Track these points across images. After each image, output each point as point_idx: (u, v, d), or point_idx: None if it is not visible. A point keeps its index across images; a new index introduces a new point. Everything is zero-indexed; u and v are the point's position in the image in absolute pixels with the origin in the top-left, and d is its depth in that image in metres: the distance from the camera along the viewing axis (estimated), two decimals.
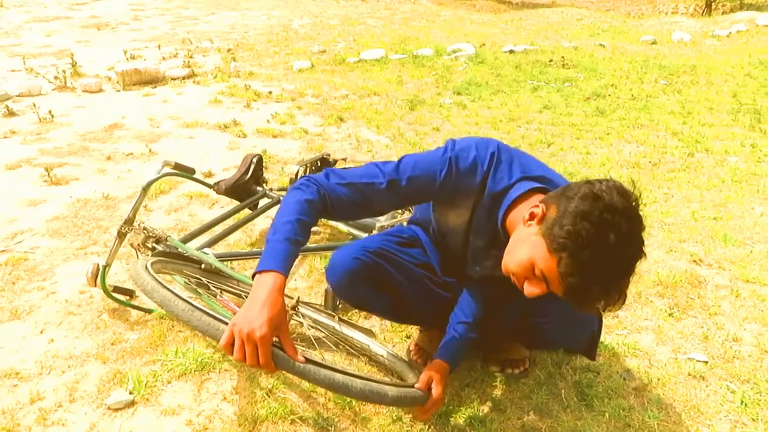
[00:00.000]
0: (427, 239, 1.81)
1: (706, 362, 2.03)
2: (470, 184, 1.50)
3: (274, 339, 1.30)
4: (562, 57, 6.61)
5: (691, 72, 6.25)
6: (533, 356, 1.99)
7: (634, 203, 1.25)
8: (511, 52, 6.86)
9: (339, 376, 1.37)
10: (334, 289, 1.76)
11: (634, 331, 2.19)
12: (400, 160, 1.53)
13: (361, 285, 1.66)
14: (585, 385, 1.90)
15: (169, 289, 1.44)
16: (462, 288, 1.78)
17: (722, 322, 2.25)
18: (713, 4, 11.02)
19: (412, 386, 1.58)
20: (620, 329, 2.20)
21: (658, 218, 3.03)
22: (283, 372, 1.38)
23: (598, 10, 11.48)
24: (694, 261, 2.66)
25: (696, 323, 2.24)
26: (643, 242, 1.25)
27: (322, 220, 2.70)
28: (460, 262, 1.71)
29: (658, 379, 1.95)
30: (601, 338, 2.09)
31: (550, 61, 6.48)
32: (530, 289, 1.33)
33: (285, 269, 1.33)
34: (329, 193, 1.47)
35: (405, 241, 1.79)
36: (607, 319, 2.23)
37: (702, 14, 10.88)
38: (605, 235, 1.20)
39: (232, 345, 1.26)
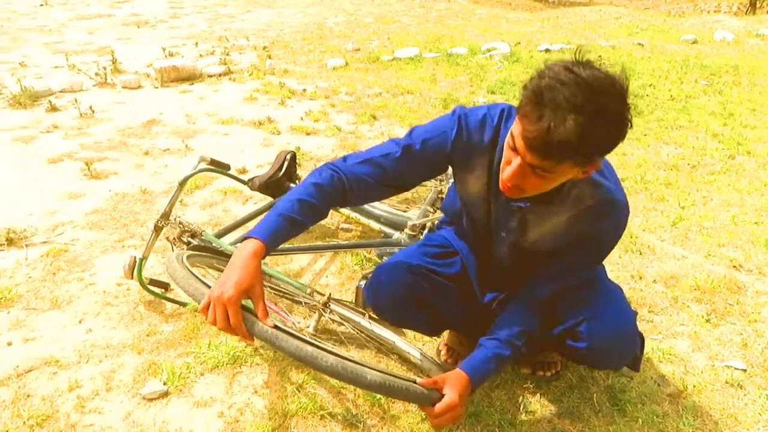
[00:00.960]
0: (462, 243, 1.79)
1: (745, 370, 1.98)
2: (482, 140, 1.49)
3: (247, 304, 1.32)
4: (599, 56, 6.50)
5: (734, 72, 6.09)
6: (565, 359, 1.96)
7: (606, 71, 1.23)
8: (547, 50, 6.78)
9: (308, 348, 1.31)
10: (374, 309, 1.76)
11: (669, 336, 2.15)
12: (411, 130, 1.56)
13: (401, 307, 1.68)
14: (618, 389, 1.87)
15: (203, 282, 1.46)
16: (497, 296, 1.76)
17: (762, 329, 2.19)
18: (758, 2, 10.71)
19: (414, 381, 1.47)
20: (655, 334, 2.15)
21: (697, 222, 2.97)
22: (261, 340, 1.33)
23: (637, 9, 11.26)
24: (734, 266, 2.59)
25: (734, 330, 2.19)
26: (614, 92, 1.19)
27: (353, 217, 2.71)
28: (488, 239, 1.66)
29: (694, 386, 1.91)
30: None
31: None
32: (507, 168, 1.30)
33: (267, 238, 1.36)
34: (347, 174, 1.49)
35: (440, 252, 1.78)
36: (642, 324, 2.19)
37: (746, 13, 10.59)
38: (560, 72, 1.18)
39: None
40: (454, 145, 1.50)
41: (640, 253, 2.67)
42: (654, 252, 2.68)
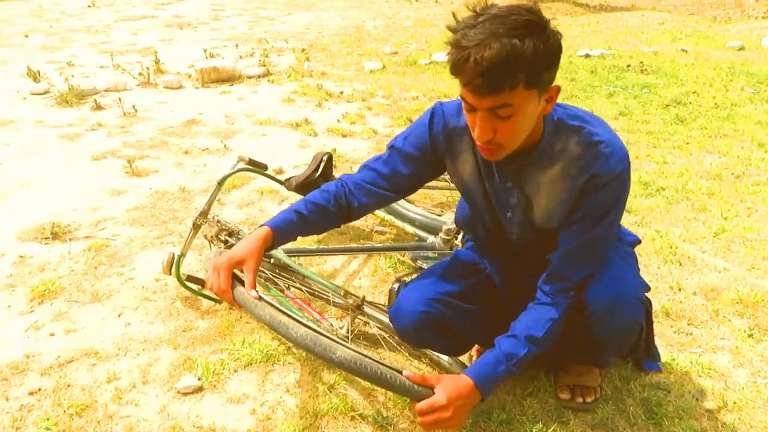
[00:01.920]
0: (487, 258, 1.77)
1: None
2: (459, 123, 1.49)
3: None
4: (641, 62, 6.39)
5: None
6: (604, 383, 1.91)
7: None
8: (587, 56, 6.68)
9: (283, 318, 1.37)
10: (399, 334, 1.73)
11: (709, 350, 2.09)
12: (400, 133, 1.60)
13: (425, 334, 1.66)
14: (654, 403, 1.83)
15: (240, 281, 1.49)
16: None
17: None
18: None
19: (400, 372, 1.40)
20: (694, 347, 2.10)
21: (740, 233, 2.88)
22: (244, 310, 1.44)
23: (681, 14, 11.02)
24: None
25: None
26: (522, 10, 1.22)
27: (387, 220, 2.72)
28: (500, 229, 1.63)
29: (734, 403, 1.85)
30: (673, 356, 2.02)
31: (628, 66, 6.27)
32: (476, 130, 1.29)
33: (275, 225, 1.51)
34: (348, 182, 1.60)
35: (468, 270, 1.75)
36: (680, 336, 2.14)
37: None
38: (469, 18, 1.21)
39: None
40: (433, 135, 1.52)
41: (680, 264, 2.60)
42: (694, 263, 2.62)
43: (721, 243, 2.80)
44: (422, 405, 1.39)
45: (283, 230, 1.52)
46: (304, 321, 1.41)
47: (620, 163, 1.39)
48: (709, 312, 2.28)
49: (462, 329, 1.69)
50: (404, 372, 1.40)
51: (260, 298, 1.41)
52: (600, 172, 1.38)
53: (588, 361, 1.85)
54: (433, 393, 1.40)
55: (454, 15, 1.27)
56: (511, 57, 1.16)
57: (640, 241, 1.81)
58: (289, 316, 1.40)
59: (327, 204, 1.57)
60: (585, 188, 1.41)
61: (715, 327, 2.21)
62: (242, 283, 1.46)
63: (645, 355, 1.84)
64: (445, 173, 1.64)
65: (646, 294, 1.65)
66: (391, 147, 1.59)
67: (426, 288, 1.65)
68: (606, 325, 1.57)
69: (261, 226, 1.52)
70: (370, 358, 1.37)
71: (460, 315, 1.66)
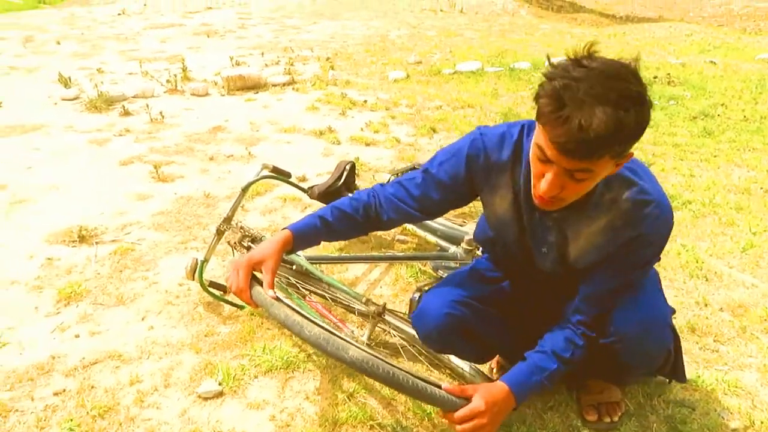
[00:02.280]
0: (499, 273, 1.77)
1: None
2: (500, 157, 1.45)
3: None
4: (668, 74, 6.32)
5: None
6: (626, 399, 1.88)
7: (612, 59, 1.17)
8: None
9: (296, 317, 1.38)
10: (421, 337, 1.74)
11: (736, 367, 2.05)
12: (437, 153, 1.57)
13: (449, 337, 1.66)
14: (678, 420, 1.80)
15: (259, 282, 1.50)
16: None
17: None
18: None
19: (440, 386, 1.40)
20: (720, 364, 2.06)
21: None
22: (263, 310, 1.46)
23: (710, 26, 10.88)
24: None
25: None
26: (629, 75, 1.14)
27: (409, 229, 2.72)
28: (528, 261, 1.61)
29: (762, 423, 1.81)
30: (699, 372, 1.98)
31: (655, 77, 6.20)
32: (543, 182, 1.25)
33: (297, 230, 1.54)
34: (378, 194, 1.60)
35: (487, 278, 1.75)
36: (706, 353, 2.10)
37: None
38: (569, 69, 1.15)
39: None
40: (469, 166, 1.48)
41: (706, 279, 2.56)
42: (721, 279, 2.57)
43: (750, 258, 2.74)
44: (463, 413, 1.40)
45: (304, 235, 1.55)
46: (329, 329, 1.41)
47: (667, 224, 1.40)
48: (736, 329, 2.24)
49: (484, 333, 1.69)
50: (443, 386, 1.41)
51: (277, 298, 1.43)
52: (646, 233, 1.39)
53: (609, 380, 1.83)
54: (468, 402, 1.41)
55: (548, 58, 1.23)
56: (616, 132, 1.11)
57: (659, 258, 1.78)
58: (305, 317, 1.41)
59: (354, 213, 1.57)
60: (627, 244, 1.41)
61: (742, 344, 2.16)
62: (261, 284, 1.48)
63: (672, 377, 1.79)
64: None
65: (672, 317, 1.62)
66: (425, 171, 1.55)
67: (448, 292, 1.67)
68: (635, 350, 1.55)
69: (283, 229, 1.54)
70: (382, 360, 1.36)
71: (482, 318, 1.67)
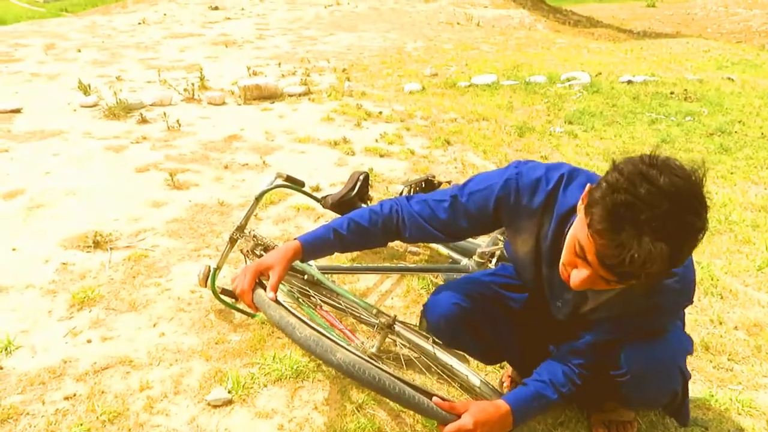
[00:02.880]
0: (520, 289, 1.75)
1: None
2: (532, 203, 1.41)
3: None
4: (685, 90, 6.28)
5: None
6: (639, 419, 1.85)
7: (684, 170, 1.10)
8: (629, 82, 6.61)
9: (291, 319, 1.38)
10: (430, 328, 1.75)
11: (750, 387, 2.02)
12: (471, 178, 1.53)
13: (457, 330, 1.66)
14: None
15: (264, 288, 1.51)
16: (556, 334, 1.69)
17: None
18: None
19: (431, 396, 1.39)
20: (735, 384, 2.03)
21: None
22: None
23: (728, 42, 10.82)
24: None
25: None
26: (696, 205, 1.08)
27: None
28: (542, 299, 1.61)
29: None
30: (712, 392, 1.95)
31: (672, 93, 6.18)
32: (575, 274, 1.21)
33: (307, 241, 1.55)
34: (402, 209, 1.56)
35: (508, 283, 1.73)
36: (720, 372, 2.07)
37: None
38: (636, 183, 1.06)
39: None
40: (498, 203, 1.45)
41: (721, 297, 2.53)
42: (736, 297, 2.54)
43: (766, 277, 2.71)
44: (450, 428, 1.38)
45: (314, 247, 1.55)
46: (334, 338, 1.41)
47: (685, 298, 1.38)
48: (751, 347, 2.21)
49: (491, 332, 1.68)
50: (434, 399, 1.39)
51: (276, 301, 1.45)
52: (662, 304, 1.37)
53: (620, 403, 1.80)
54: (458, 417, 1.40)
55: (614, 164, 1.13)
56: (668, 265, 1.09)
57: (680, 324, 1.70)
58: (301, 319, 1.41)
59: (372, 226, 1.55)
60: (642, 311, 1.39)
61: (757, 363, 2.13)
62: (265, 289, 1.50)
63: (675, 416, 1.73)
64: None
65: (687, 356, 1.56)
66: (455, 197, 1.51)
67: (460, 286, 1.68)
68: (640, 387, 1.52)
69: (294, 239, 1.56)
70: (373, 364, 1.35)
71: (490, 317, 1.67)
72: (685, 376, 1.55)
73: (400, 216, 1.56)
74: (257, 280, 1.50)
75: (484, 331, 1.68)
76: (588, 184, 1.21)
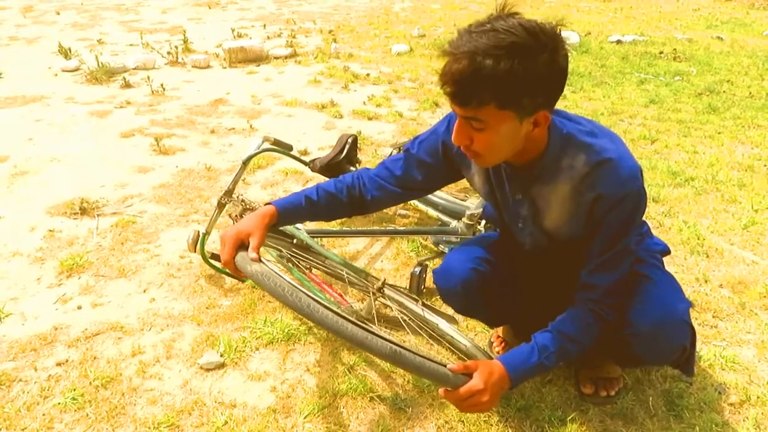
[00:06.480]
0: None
1: None
2: None
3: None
4: (674, 49, 6.25)
5: None
6: (624, 376, 1.89)
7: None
8: (619, 42, 6.55)
9: (266, 270, 1.36)
10: (443, 294, 1.75)
11: (734, 343, 2.06)
12: (419, 133, 1.61)
13: (473, 291, 1.66)
14: (675, 395, 1.82)
15: (262, 262, 1.50)
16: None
17: None
18: None
19: (445, 365, 1.38)
20: (719, 340, 2.07)
21: None
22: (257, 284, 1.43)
23: (718, 0, 10.73)
24: None
25: None
26: (518, 28, 1.18)
27: (411, 204, 2.72)
28: (510, 233, 1.64)
29: (758, 398, 1.83)
30: (697, 349, 1.99)
31: (661, 53, 6.14)
32: (454, 132, 1.32)
33: (281, 206, 1.55)
34: (362, 175, 1.63)
35: (498, 246, 1.74)
36: (705, 329, 2.11)
37: None
38: (478, 23, 1.21)
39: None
40: (445, 144, 1.52)
41: (707, 256, 2.56)
42: (722, 255, 2.57)
43: (751, 235, 2.74)
44: (463, 393, 1.39)
45: (288, 212, 1.56)
46: (325, 302, 1.40)
47: (629, 182, 1.34)
48: (736, 305, 2.25)
49: (502, 295, 1.69)
50: (449, 366, 1.39)
51: (258, 260, 1.43)
52: (607, 193, 1.34)
53: (615, 362, 1.83)
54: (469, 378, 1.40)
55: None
56: (476, 76, 1.17)
57: (669, 251, 1.76)
58: (281, 277, 1.38)
59: (338, 193, 1.60)
60: (593, 207, 1.38)
61: (741, 320, 2.17)
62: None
63: (681, 368, 1.72)
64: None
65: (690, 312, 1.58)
66: (407, 150, 1.60)
67: (472, 250, 1.69)
68: (649, 346, 1.54)
69: (268, 204, 1.56)
70: (335, 312, 1.33)
71: (502, 279, 1.67)
72: (693, 329, 1.59)
73: (362, 181, 1.62)
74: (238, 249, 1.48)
75: (496, 295, 1.68)
76: None
